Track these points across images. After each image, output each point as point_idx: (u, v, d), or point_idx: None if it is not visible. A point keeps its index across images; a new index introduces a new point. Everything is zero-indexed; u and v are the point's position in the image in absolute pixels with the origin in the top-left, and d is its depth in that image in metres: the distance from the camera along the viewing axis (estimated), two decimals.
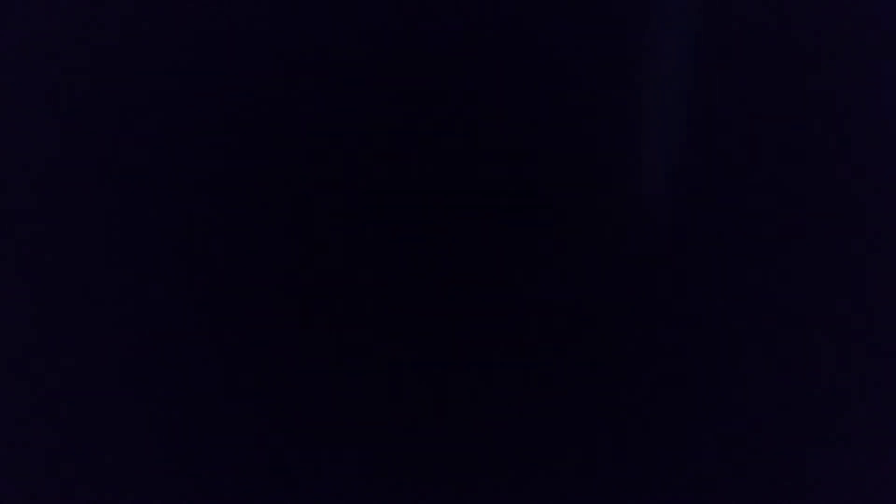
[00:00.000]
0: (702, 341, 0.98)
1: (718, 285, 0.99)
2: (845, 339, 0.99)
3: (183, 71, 1.00)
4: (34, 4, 1.00)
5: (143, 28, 1.00)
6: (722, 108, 1.00)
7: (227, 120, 1.00)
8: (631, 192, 0.99)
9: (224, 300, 0.99)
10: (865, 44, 0.99)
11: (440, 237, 0.98)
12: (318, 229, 0.99)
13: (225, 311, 0.99)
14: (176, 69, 1.00)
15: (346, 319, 0.99)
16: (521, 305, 0.98)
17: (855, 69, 1.00)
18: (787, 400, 0.99)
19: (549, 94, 0.98)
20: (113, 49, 1.00)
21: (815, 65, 0.99)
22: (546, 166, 0.97)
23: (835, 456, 0.98)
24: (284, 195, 1.00)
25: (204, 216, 0.99)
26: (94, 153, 1.00)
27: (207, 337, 0.98)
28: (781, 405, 0.98)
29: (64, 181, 1.00)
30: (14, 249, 0.99)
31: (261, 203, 1.00)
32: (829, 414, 0.98)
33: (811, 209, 1.00)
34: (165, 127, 1.00)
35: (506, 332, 0.98)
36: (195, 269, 0.99)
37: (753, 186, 0.99)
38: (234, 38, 1.00)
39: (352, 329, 0.99)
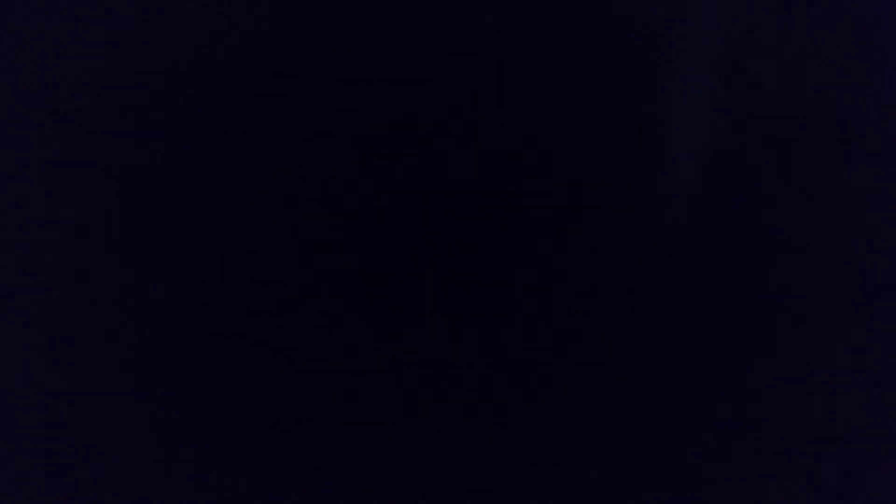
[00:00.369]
0: (713, 343, 0.99)
1: (724, 286, 0.99)
2: (845, 341, 0.99)
3: (181, 70, 1.00)
4: (34, 4, 1.00)
5: (141, 27, 1.00)
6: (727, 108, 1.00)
7: (224, 119, 1.00)
8: (634, 192, 0.99)
9: (223, 300, 0.99)
10: (865, 44, 0.99)
11: (440, 235, 0.98)
12: (325, 229, 0.99)
13: (224, 310, 0.99)
14: (174, 68, 1.00)
15: (348, 319, 0.99)
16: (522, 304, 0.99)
17: (854, 70, 1.00)
18: (790, 401, 0.99)
19: (554, 92, 0.98)
20: (111, 48, 1.01)
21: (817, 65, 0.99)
22: (548, 165, 0.98)
23: (834, 456, 0.98)
24: (285, 195, 1.00)
25: (202, 216, 1.00)
26: (92, 152, 1.00)
27: (207, 336, 0.98)
28: (784, 406, 0.99)
29: (62, 180, 1.00)
30: (13, 249, 0.99)
31: (261, 203, 1.00)
32: (829, 415, 0.98)
33: (817, 210, 1.00)
34: (163, 126, 1.00)
35: (506, 332, 0.99)
36: (194, 268, 0.99)
37: (756, 187, 1.00)
38: (232, 37, 1.00)
39: (353, 329, 0.99)
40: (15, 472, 0.97)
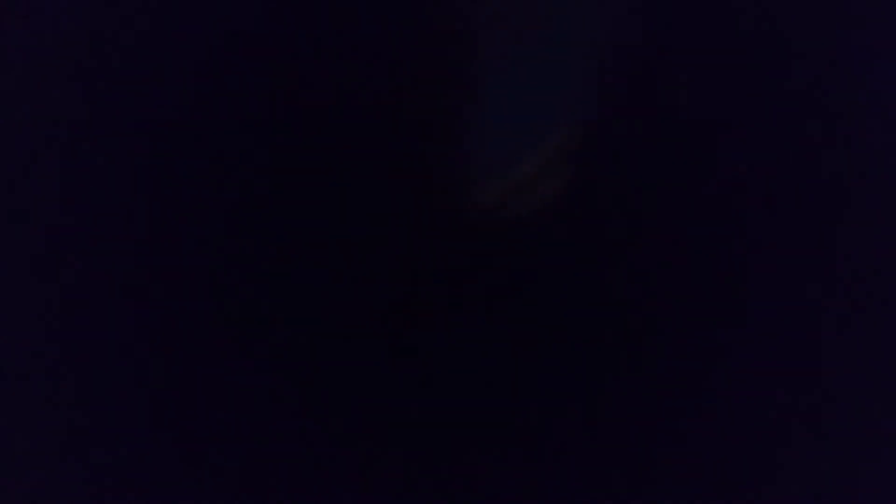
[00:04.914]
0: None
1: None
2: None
3: (182, 71, 1.01)
4: (34, 4, 1.00)
5: (143, 27, 1.01)
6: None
7: (223, 120, 1.00)
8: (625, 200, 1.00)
9: (223, 300, 0.99)
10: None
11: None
12: (321, 228, 0.99)
13: (224, 310, 0.99)
14: (175, 69, 1.01)
15: (345, 320, 0.99)
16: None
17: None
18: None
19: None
20: (113, 48, 1.01)
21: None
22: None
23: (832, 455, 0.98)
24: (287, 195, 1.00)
25: (200, 217, 1.00)
26: (94, 153, 1.01)
27: (207, 337, 0.98)
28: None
29: (65, 180, 1.00)
30: (14, 249, 0.99)
31: (261, 204, 1.00)
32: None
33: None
34: (163, 126, 1.01)
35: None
36: (194, 268, 1.00)
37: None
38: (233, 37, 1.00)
39: (351, 330, 0.99)
40: (14, 471, 0.97)
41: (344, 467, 0.97)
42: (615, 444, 0.97)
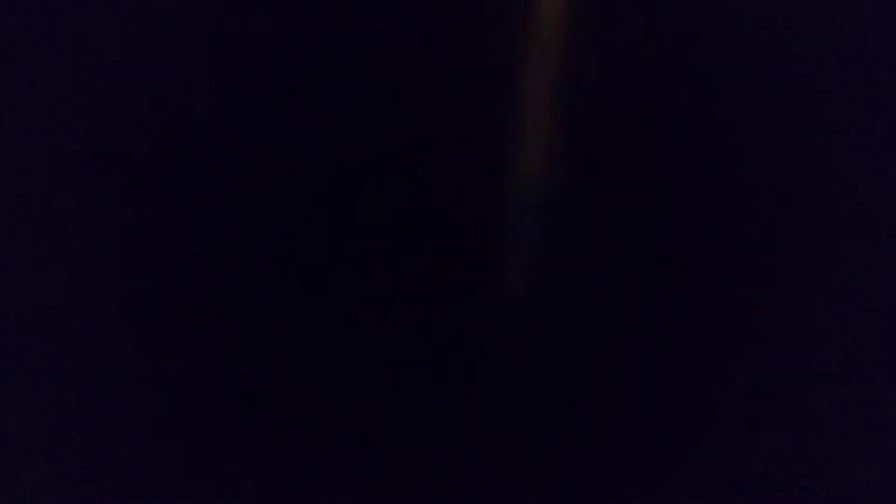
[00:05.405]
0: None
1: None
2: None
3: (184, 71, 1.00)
4: (34, 4, 1.00)
5: (144, 28, 1.01)
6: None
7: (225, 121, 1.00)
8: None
9: (225, 301, 0.99)
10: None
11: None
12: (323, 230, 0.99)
13: (226, 311, 0.98)
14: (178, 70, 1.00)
15: (344, 320, 0.99)
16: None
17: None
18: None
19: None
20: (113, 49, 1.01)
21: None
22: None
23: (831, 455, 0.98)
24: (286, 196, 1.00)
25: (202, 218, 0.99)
26: (96, 153, 1.00)
27: (208, 337, 0.98)
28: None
29: (67, 181, 1.00)
30: (16, 249, 0.99)
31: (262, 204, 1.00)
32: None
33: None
34: (164, 127, 1.00)
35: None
36: (196, 269, 0.99)
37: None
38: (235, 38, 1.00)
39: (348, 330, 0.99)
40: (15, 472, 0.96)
41: (344, 468, 0.96)
42: (615, 444, 0.96)
